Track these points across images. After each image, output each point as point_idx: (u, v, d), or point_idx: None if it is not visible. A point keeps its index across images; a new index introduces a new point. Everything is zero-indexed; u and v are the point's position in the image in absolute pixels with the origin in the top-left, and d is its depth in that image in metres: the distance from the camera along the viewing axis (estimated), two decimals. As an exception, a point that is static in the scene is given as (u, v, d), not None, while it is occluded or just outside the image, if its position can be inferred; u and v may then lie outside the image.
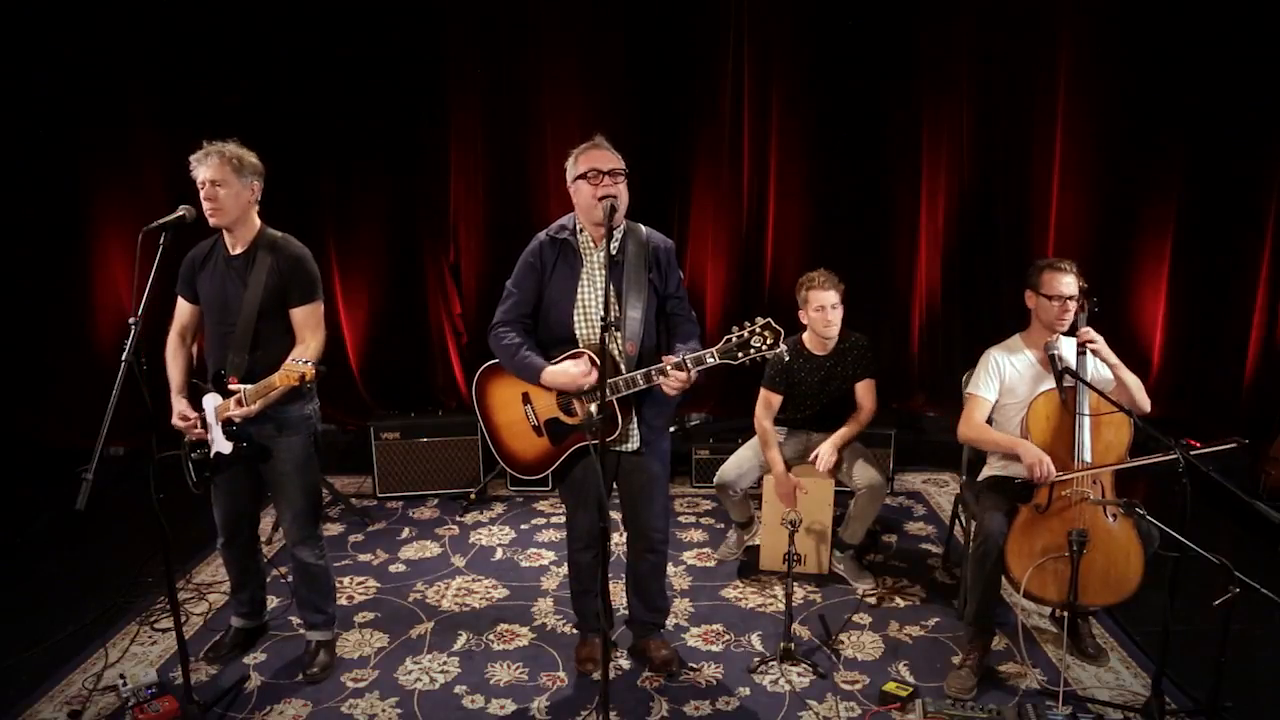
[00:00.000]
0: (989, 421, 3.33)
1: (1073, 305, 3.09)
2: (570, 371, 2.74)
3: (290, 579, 3.20)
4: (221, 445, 2.91)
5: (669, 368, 2.63)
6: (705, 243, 5.51)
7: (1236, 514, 4.03)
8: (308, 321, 2.92)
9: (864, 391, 3.79)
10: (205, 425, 2.94)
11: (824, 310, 3.62)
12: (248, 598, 3.30)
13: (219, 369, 2.89)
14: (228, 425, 2.87)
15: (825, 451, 3.69)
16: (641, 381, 2.68)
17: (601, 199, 2.66)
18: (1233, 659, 2.52)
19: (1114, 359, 3.02)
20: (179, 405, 2.95)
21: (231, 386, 2.82)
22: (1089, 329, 3.05)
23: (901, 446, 4.69)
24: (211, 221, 2.79)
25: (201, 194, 2.78)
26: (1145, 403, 3.05)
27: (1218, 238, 5.22)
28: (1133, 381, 3.04)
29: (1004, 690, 2.99)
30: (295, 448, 2.98)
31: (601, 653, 2.56)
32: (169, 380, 3.01)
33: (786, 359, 3.61)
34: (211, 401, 2.92)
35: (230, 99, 5.04)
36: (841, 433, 3.74)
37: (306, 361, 2.68)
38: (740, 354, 2.57)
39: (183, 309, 3.03)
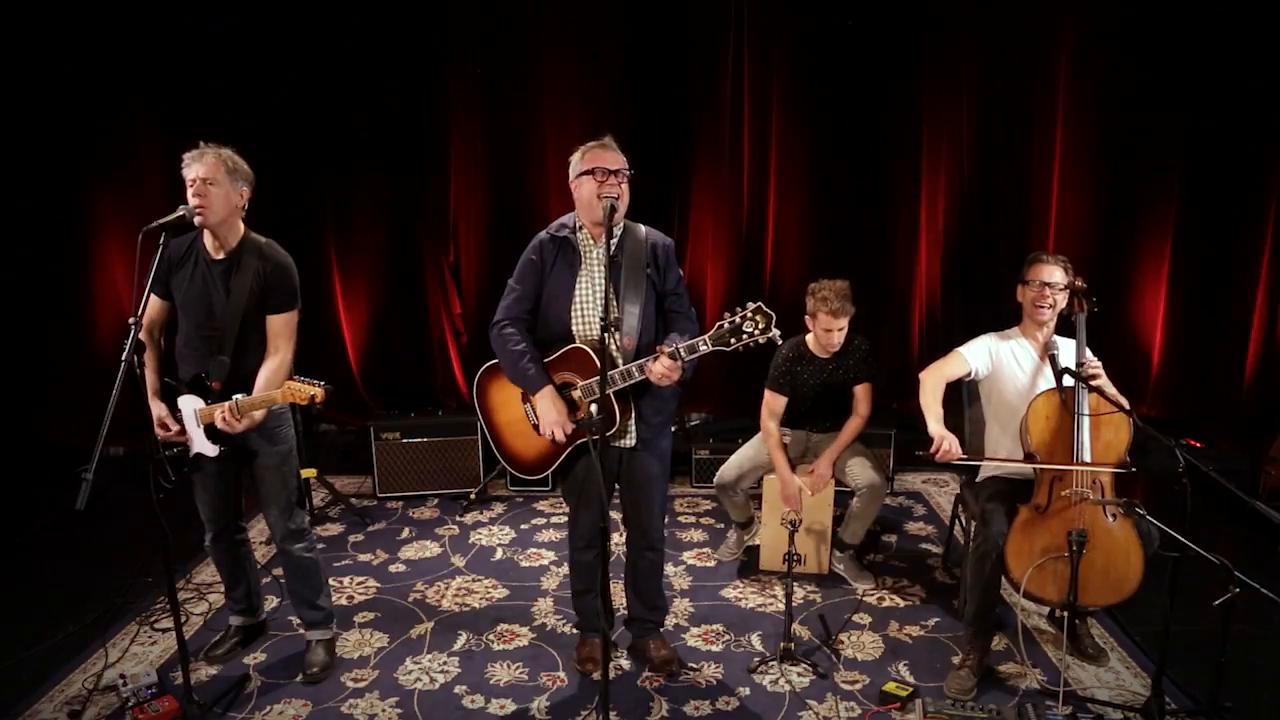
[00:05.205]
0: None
1: (1050, 293, 3.13)
2: (551, 417, 2.78)
3: (284, 580, 3.19)
4: (205, 448, 2.90)
5: (663, 356, 2.63)
6: (705, 242, 5.51)
7: (1236, 514, 4.03)
8: (283, 331, 2.90)
9: (862, 394, 3.80)
10: (182, 425, 2.91)
11: (831, 332, 3.64)
12: (243, 594, 3.29)
13: (199, 372, 2.86)
14: (212, 429, 2.86)
15: (822, 470, 3.73)
16: (636, 373, 2.68)
17: (602, 198, 2.67)
18: (1233, 659, 2.51)
19: (1112, 392, 3.05)
20: (158, 410, 2.89)
21: (233, 405, 2.78)
22: (1093, 363, 3.06)
23: (901, 446, 4.69)
24: (197, 220, 2.75)
25: (191, 191, 2.74)
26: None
27: (1218, 238, 5.21)
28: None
29: (1004, 690, 2.99)
30: (278, 444, 3.00)
31: (601, 653, 2.55)
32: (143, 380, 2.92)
33: (780, 344, 3.66)
34: (191, 404, 2.88)
35: (230, 99, 5.04)
36: (838, 444, 3.77)
37: (322, 383, 2.68)
38: (733, 339, 2.56)
39: (152, 304, 2.95)
